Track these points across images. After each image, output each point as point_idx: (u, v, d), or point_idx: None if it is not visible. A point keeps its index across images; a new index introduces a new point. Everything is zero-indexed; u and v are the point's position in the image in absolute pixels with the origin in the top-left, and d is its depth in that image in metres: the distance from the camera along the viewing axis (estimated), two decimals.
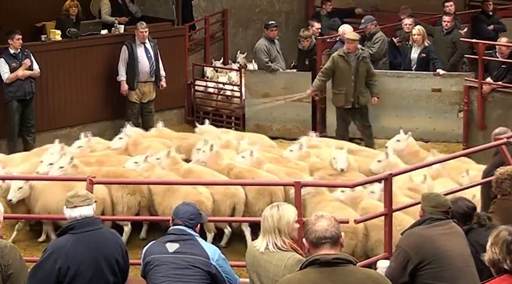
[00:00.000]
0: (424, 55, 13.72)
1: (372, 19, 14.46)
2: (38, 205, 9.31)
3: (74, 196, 5.53)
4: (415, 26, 14.20)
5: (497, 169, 7.00)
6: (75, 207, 5.46)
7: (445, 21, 14.46)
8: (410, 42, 13.94)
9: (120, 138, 11.28)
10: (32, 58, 12.64)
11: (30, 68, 12.61)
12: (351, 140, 13.78)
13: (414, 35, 13.77)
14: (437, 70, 13.53)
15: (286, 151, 11.05)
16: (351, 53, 12.75)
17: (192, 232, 5.69)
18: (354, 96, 12.80)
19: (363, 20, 14.56)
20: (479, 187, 8.32)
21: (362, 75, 12.82)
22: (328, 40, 14.79)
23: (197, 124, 12.60)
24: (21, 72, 12.40)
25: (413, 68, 13.82)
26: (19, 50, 12.51)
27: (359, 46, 13.05)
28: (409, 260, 5.69)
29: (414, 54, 13.84)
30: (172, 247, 5.60)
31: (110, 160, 10.45)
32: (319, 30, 15.14)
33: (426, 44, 13.76)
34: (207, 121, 12.82)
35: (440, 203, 5.95)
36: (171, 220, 5.80)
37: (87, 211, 5.47)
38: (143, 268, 5.67)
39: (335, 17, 16.78)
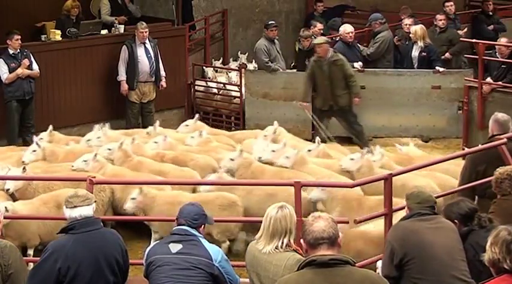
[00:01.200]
0: (425, 54, 13.77)
1: (377, 18, 14.51)
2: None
3: (74, 196, 5.52)
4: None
5: (497, 169, 7.02)
6: (74, 207, 5.45)
7: (441, 20, 14.52)
8: (412, 41, 13.98)
9: (34, 151, 10.50)
10: (32, 58, 12.65)
11: (30, 68, 12.61)
12: (351, 138, 13.88)
13: (411, 35, 13.86)
14: (437, 67, 13.59)
15: (188, 138, 11.19)
16: (322, 58, 12.81)
17: (196, 233, 5.68)
18: (332, 99, 12.90)
19: (370, 18, 14.62)
20: None
21: (336, 78, 12.84)
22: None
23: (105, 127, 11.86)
24: (20, 71, 12.42)
25: (414, 66, 13.89)
26: (18, 50, 12.52)
27: (331, 49, 13.11)
28: (395, 253, 5.76)
29: (415, 52, 13.90)
30: (175, 247, 5.60)
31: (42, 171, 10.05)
32: (321, 31, 15.14)
33: (426, 43, 13.79)
34: (107, 125, 11.88)
35: (425, 199, 6.05)
36: (175, 220, 5.80)
37: (87, 211, 5.46)
38: (146, 268, 5.68)
39: (327, 16, 16.91)
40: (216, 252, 5.64)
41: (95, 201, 5.66)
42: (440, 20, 14.52)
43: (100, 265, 5.35)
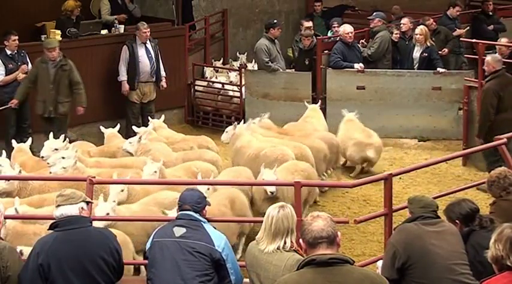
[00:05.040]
0: (426, 54, 13.81)
1: (382, 15, 14.53)
2: None
3: (59, 195, 5.60)
4: (410, 24, 14.32)
5: (490, 173, 7.04)
6: (58, 205, 5.52)
7: (432, 24, 14.74)
8: (413, 41, 14.00)
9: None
10: (28, 59, 12.60)
11: (26, 71, 12.57)
12: None
13: (417, 34, 13.86)
14: (438, 68, 13.61)
15: (125, 143, 10.89)
16: (52, 61, 12.23)
17: (200, 218, 5.81)
18: (53, 105, 12.33)
19: (374, 14, 14.62)
20: None
21: (62, 83, 12.33)
22: (327, 40, 14.83)
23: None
24: (21, 76, 12.38)
25: (415, 67, 13.93)
26: (15, 51, 12.45)
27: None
28: (398, 256, 5.75)
29: (416, 53, 13.94)
30: (179, 231, 5.71)
31: None
32: (310, 29, 15.08)
33: (428, 44, 13.84)
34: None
35: (428, 203, 6.05)
36: (177, 207, 5.90)
37: (70, 210, 5.49)
38: (149, 250, 5.77)
39: (327, 16, 16.96)
40: (219, 238, 5.73)
41: (85, 201, 5.65)
42: (431, 23, 14.70)
43: (82, 263, 5.34)
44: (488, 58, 11.48)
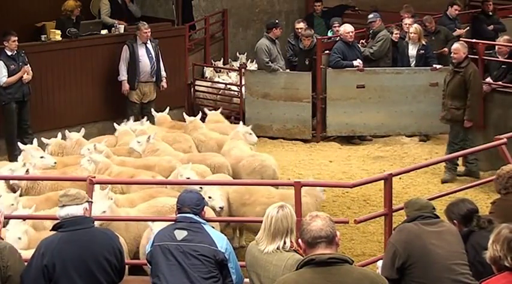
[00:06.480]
0: (423, 52, 13.93)
1: (378, 16, 14.57)
2: None
3: (64, 195, 5.57)
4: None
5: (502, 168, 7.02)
6: (63, 206, 5.50)
7: (429, 24, 14.80)
8: (406, 39, 14.10)
9: None
10: (26, 59, 12.59)
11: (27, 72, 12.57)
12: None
13: (411, 33, 13.95)
14: (434, 65, 13.74)
15: (133, 142, 10.85)
16: None
17: (200, 220, 5.78)
18: None
19: (371, 15, 14.62)
20: None
21: None
22: (327, 40, 14.82)
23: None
24: (25, 77, 12.38)
25: (412, 64, 14.01)
26: (15, 51, 12.45)
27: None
28: (398, 256, 5.76)
29: (412, 51, 14.07)
30: (180, 234, 5.68)
31: None
32: (303, 30, 15.05)
33: (423, 42, 13.92)
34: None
35: (423, 205, 6.05)
36: (176, 209, 5.87)
37: (75, 210, 5.47)
38: (150, 253, 5.73)
39: (327, 16, 16.96)
40: (221, 239, 5.72)
41: (88, 201, 5.66)
42: (428, 24, 14.75)
43: (87, 263, 5.35)
44: (457, 45, 11.82)
